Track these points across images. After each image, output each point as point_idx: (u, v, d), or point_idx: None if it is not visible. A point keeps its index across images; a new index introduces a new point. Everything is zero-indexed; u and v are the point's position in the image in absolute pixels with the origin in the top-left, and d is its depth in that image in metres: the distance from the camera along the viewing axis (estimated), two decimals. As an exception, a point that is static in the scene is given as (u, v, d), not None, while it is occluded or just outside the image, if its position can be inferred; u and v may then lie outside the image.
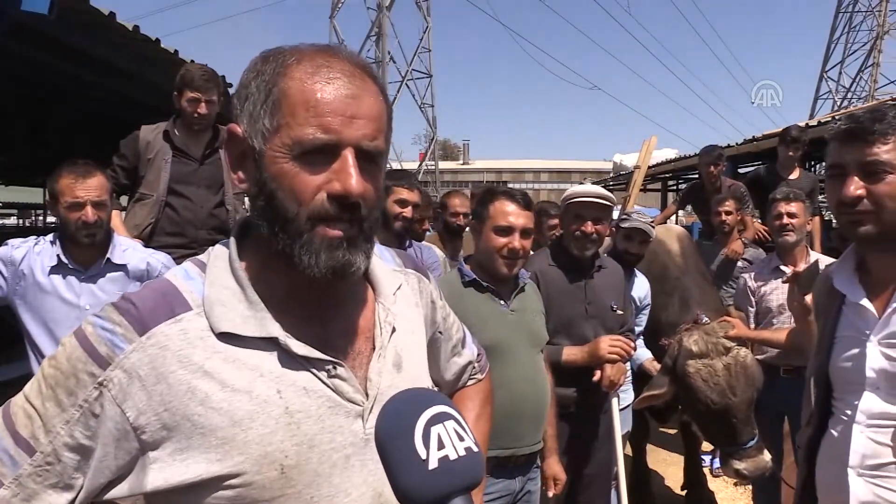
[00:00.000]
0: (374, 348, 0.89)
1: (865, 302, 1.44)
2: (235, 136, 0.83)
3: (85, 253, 2.36)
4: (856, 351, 1.45)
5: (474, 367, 1.24)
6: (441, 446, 0.65)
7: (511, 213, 2.16)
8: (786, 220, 3.19)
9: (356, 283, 0.91)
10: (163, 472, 0.76)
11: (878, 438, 1.40)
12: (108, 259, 2.40)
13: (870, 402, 1.41)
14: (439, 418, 0.66)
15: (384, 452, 0.67)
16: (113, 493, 0.78)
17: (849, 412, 1.46)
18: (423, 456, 0.64)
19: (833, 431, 1.50)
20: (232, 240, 0.86)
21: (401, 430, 0.66)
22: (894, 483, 1.39)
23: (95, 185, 2.31)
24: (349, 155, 0.78)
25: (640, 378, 3.07)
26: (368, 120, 0.80)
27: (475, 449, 0.67)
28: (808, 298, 2.01)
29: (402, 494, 0.65)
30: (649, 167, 7.47)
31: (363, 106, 0.79)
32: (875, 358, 1.41)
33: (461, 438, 0.66)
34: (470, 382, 1.24)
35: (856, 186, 1.36)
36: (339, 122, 0.77)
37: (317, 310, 0.85)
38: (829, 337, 1.53)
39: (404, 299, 0.98)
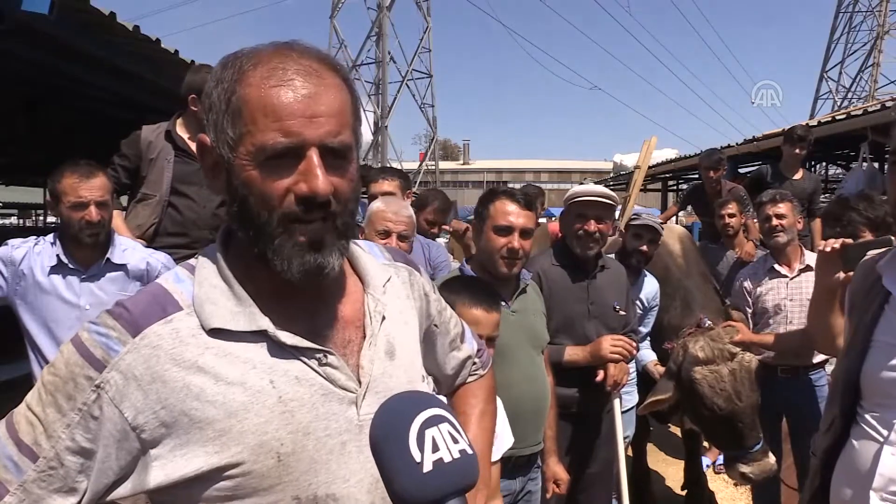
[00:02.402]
0: (364, 337, 0.90)
1: None
2: (205, 146, 0.84)
3: (85, 253, 2.36)
4: None
5: (475, 363, 1.23)
6: (435, 449, 0.65)
7: (511, 213, 2.16)
8: (775, 221, 3.22)
9: (343, 276, 0.92)
10: (164, 468, 0.77)
11: None
12: (108, 259, 2.40)
13: None
14: (434, 421, 0.67)
15: (379, 455, 0.67)
16: (117, 492, 0.79)
17: (882, 429, 1.29)
18: (418, 458, 0.64)
19: (856, 445, 1.35)
20: (218, 241, 0.88)
21: (395, 432, 0.66)
22: None
23: (99, 185, 2.33)
24: (314, 155, 0.78)
25: (645, 380, 3.08)
26: (329, 116, 0.80)
27: (470, 451, 0.67)
28: (842, 276, 1.85)
29: (396, 497, 0.65)
30: (649, 167, 7.47)
31: (322, 103, 0.79)
32: None
33: (455, 441, 0.67)
34: (471, 378, 1.23)
35: None
36: (300, 124, 0.77)
37: (304, 304, 0.87)
38: (864, 339, 1.35)
39: (394, 291, 0.99)
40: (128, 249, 2.47)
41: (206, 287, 0.83)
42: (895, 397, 1.29)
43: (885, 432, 1.29)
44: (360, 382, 0.86)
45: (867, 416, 1.34)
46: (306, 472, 0.81)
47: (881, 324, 1.34)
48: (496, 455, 1.83)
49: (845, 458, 1.38)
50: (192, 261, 0.88)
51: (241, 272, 0.84)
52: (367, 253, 1.00)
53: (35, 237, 2.44)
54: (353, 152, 0.84)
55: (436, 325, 1.10)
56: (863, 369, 1.35)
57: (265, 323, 0.81)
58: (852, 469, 1.35)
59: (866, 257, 1.56)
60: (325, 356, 0.84)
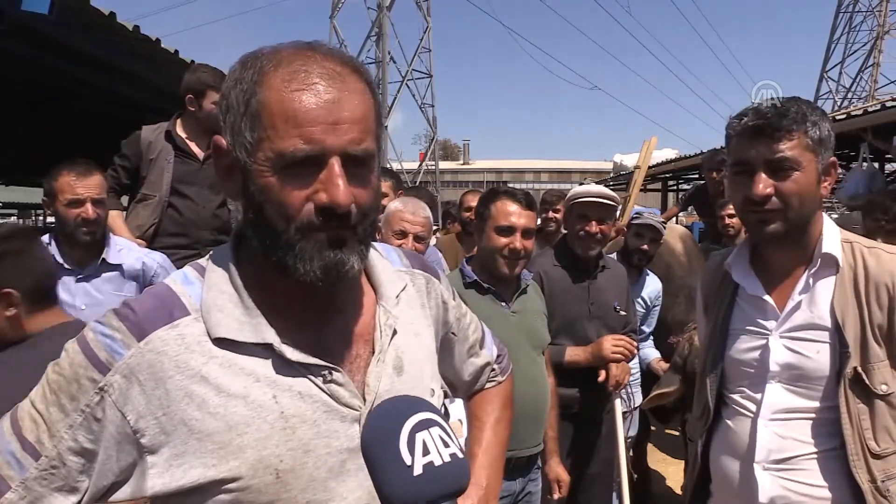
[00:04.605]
0: (373, 352, 0.87)
1: (766, 296, 1.45)
2: (221, 148, 0.81)
3: (80, 253, 2.35)
4: (756, 344, 1.46)
5: (493, 370, 1.21)
6: (426, 452, 0.65)
7: (513, 213, 2.15)
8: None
9: (355, 286, 0.90)
10: (161, 476, 0.76)
11: (782, 432, 1.41)
12: (104, 259, 2.39)
13: (774, 395, 1.42)
14: (424, 425, 0.67)
15: (369, 458, 0.67)
16: (116, 495, 0.79)
17: (750, 406, 1.46)
18: (408, 462, 0.65)
19: (731, 425, 1.50)
20: (230, 245, 0.86)
21: (386, 436, 0.67)
22: (800, 475, 1.40)
23: (95, 183, 2.32)
24: (335, 164, 0.75)
25: (650, 378, 3.07)
26: (353, 123, 0.76)
27: (460, 455, 0.67)
28: None
29: (387, 500, 0.65)
30: (649, 167, 7.46)
31: (346, 109, 0.76)
32: (779, 352, 1.42)
33: (446, 445, 0.67)
34: (489, 385, 1.21)
35: (764, 184, 1.35)
36: (322, 131, 0.74)
37: (314, 314, 0.85)
38: (722, 330, 1.53)
39: (408, 301, 0.97)
40: (123, 249, 2.46)
41: (214, 292, 0.81)
42: (756, 376, 1.45)
43: (753, 408, 1.45)
44: (364, 400, 0.84)
45: (735, 397, 1.51)
46: (304, 490, 0.80)
47: (735, 314, 1.52)
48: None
49: (723, 437, 1.53)
50: (201, 261, 0.86)
51: (252, 279, 0.82)
52: (383, 259, 0.97)
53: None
54: (376, 160, 0.81)
55: (453, 333, 1.08)
56: (725, 356, 1.52)
57: (271, 336, 0.79)
58: (733, 446, 1.50)
59: (712, 256, 1.77)
60: (331, 373, 0.82)
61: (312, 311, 0.85)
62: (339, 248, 0.78)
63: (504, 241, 2.14)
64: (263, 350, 0.80)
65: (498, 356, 1.22)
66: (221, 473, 0.76)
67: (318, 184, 0.76)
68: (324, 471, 0.81)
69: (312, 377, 0.81)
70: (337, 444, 0.81)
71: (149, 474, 0.77)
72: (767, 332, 1.44)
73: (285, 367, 0.80)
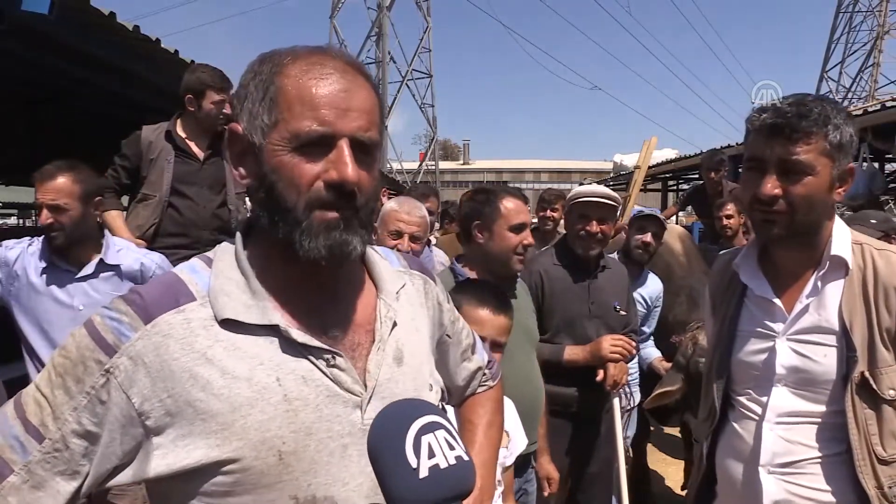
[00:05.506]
0: (374, 341, 0.90)
1: (775, 298, 1.43)
2: (236, 134, 0.86)
3: (77, 253, 2.35)
4: (762, 346, 1.44)
5: (485, 375, 1.23)
6: (432, 455, 0.66)
7: (522, 210, 2.19)
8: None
9: (357, 278, 0.94)
10: (165, 457, 0.78)
11: (787, 436, 1.40)
12: (102, 259, 2.38)
13: (780, 398, 1.41)
14: (430, 427, 0.68)
15: (376, 460, 0.68)
16: (117, 479, 0.80)
17: (756, 409, 1.45)
18: (414, 464, 0.65)
19: (737, 427, 1.49)
20: (238, 235, 0.90)
21: (392, 438, 0.67)
22: (805, 479, 1.39)
23: (54, 188, 2.26)
24: (345, 145, 0.81)
25: (651, 378, 3.07)
26: (362, 112, 0.83)
27: (466, 458, 0.68)
28: None
29: (393, 502, 0.66)
30: (649, 167, 7.46)
31: (356, 99, 0.83)
32: (785, 354, 1.40)
33: (452, 447, 0.68)
34: (480, 389, 1.23)
35: (773, 185, 1.32)
36: (334, 115, 0.81)
37: (317, 301, 0.88)
38: (729, 331, 1.51)
39: (408, 299, 1.00)
40: (122, 250, 2.45)
41: (222, 279, 0.84)
42: (762, 378, 1.44)
43: (759, 410, 1.44)
44: (366, 386, 0.86)
45: (741, 399, 1.49)
46: (306, 473, 0.81)
47: (743, 315, 1.50)
48: (511, 458, 1.85)
49: (728, 439, 1.52)
50: (209, 253, 0.90)
51: (259, 266, 0.86)
52: (383, 259, 1.01)
53: (29, 238, 2.43)
54: (378, 151, 0.88)
55: (448, 336, 1.11)
56: (732, 358, 1.50)
57: (277, 318, 0.82)
58: (738, 448, 1.48)
59: (720, 256, 1.72)
60: (334, 357, 0.84)
61: (316, 297, 0.88)
62: (344, 229, 0.83)
63: (518, 238, 2.15)
64: (269, 333, 0.82)
65: (489, 362, 1.25)
66: (225, 454, 0.78)
67: (328, 163, 0.82)
68: (325, 454, 0.82)
69: (315, 360, 0.83)
70: (339, 429, 0.83)
71: (153, 455, 0.78)
72: (774, 335, 1.42)
73: (289, 350, 0.83)
